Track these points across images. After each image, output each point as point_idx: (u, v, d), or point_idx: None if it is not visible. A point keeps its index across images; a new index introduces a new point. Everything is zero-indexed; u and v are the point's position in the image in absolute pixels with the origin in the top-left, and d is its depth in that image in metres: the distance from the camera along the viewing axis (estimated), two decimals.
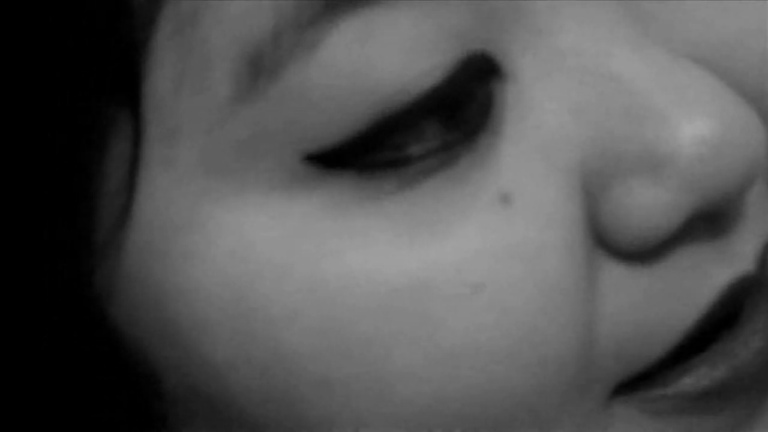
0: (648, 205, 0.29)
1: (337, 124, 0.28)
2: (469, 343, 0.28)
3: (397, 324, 0.28)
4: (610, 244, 0.30)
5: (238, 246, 0.29)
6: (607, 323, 0.30)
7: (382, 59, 0.27)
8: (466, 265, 0.28)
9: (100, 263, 0.29)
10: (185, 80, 0.28)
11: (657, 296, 0.30)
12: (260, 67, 0.27)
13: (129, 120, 0.28)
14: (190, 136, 0.28)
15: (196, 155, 0.28)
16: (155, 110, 0.28)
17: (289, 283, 0.28)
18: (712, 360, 0.31)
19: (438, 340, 0.28)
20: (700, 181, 0.29)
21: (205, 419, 0.31)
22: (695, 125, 0.29)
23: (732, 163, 0.29)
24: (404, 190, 0.28)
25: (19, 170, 0.28)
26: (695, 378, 0.31)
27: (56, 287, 0.29)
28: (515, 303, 0.28)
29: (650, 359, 0.30)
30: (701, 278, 0.31)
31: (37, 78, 0.28)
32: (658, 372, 0.31)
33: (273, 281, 0.29)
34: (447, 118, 0.28)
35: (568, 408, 0.30)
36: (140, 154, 0.28)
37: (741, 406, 0.32)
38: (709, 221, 0.30)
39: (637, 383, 0.31)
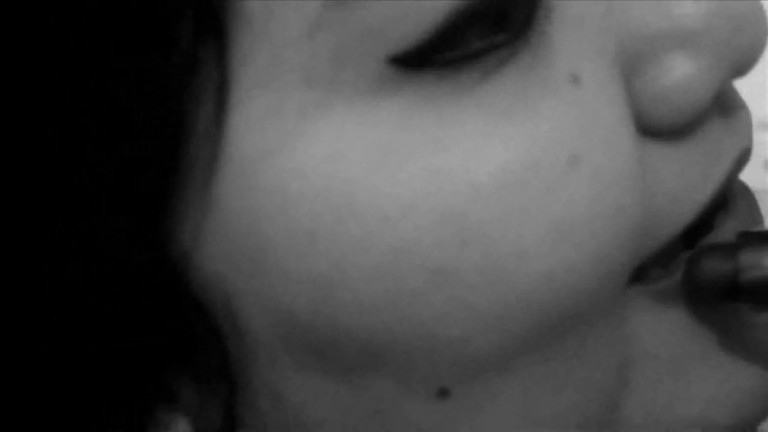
0: (685, 77, 0.31)
1: (416, 24, 0.28)
2: (573, 214, 0.30)
3: (507, 204, 0.29)
4: (647, 125, 0.31)
5: (338, 152, 0.29)
6: (651, 201, 0.31)
7: None
8: (560, 139, 0.30)
9: (191, 206, 0.30)
10: None
11: (687, 170, 0.32)
12: None
13: (220, 42, 0.29)
14: (286, 49, 0.29)
15: (292, 68, 0.29)
16: (249, 29, 0.29)
17: (397, 180, 0.29)
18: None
19: (546, 215, 0.29)
20: (729, 48, 0.31)
21: (292, 354, 0.31)
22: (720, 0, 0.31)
23: (754, 29, 0.31)
24: (485, 81, 0.30)
25: (103, 103, 0.29)
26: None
27: (139, 234, 0.29)
28: (606, 174, 0.30)
29: (675, 233, 0.32)
30: (718, 149, 0.33)
31: None
32: (665, 261, 0.33)
33: (380, 180, 0.29)
34: (499, 15, 0.30)
35: (615, 291, 0.31)
36: (231, 78, 0.29)
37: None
38: (719, 97, 0.32)
39: (646, 272, 0.33)
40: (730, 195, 0.34)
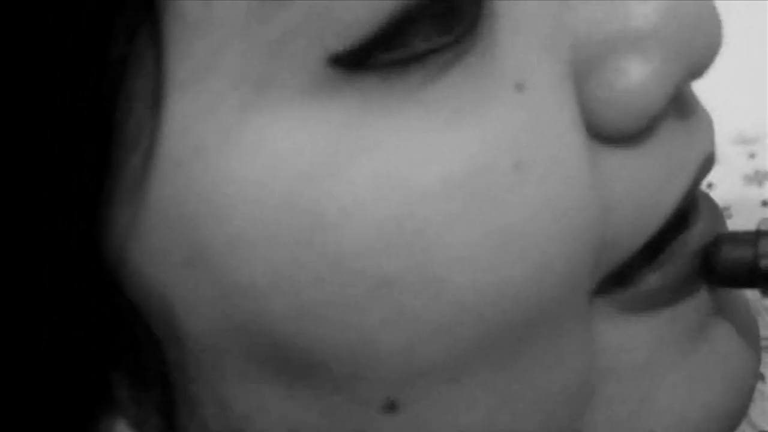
0: (640, 79, 0.30)
1: (357, 22, 0.28)
2: (519, 222, 0.29)
3: (450, 210, 0.28)
4: (601, 131, 0.30)
5: (277, 155, 0.28)
6: (609, 208, 0.30)
7: None
8: (506, 144, 0.29)
9: (124, 203, 0.29)
10: None
11: (648, 177, 0.31)
12: None
13: (152, 39, 0.28)
14: (223, 46, 0.28)
15: (229, 66, 0.28)
16: (183, 22, 0.28)
17: (339, 184, 0.28)
18: (673, 256, 0.32)
19: (490, 222, 0.29)
20: (684, 49, 0.30)
21: (233, 360, 0.30)
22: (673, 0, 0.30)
23: (710, 29, 0.30)
24: (428, 83, 0.29)
25: (33, 100, 0.28)
26: (661, 274, 0.32)
27: (71, 235, 0.29)
28: (552, 180, 0.29)
29: (641, 242, 0.31)
30: (681, 154, 0.32)
31: None
32: (630, 273, 0.32)
33: (321, 185, 0.28)
34: (443, 17, 0.29)
35: (576, 300, 0.31)
36: (166, 74, 0.28)
37: (696, 305, 0.33)
38: (675, 103, 0.32)
39: (611, 284, 0.32)
40: (694, 200, 0.33)
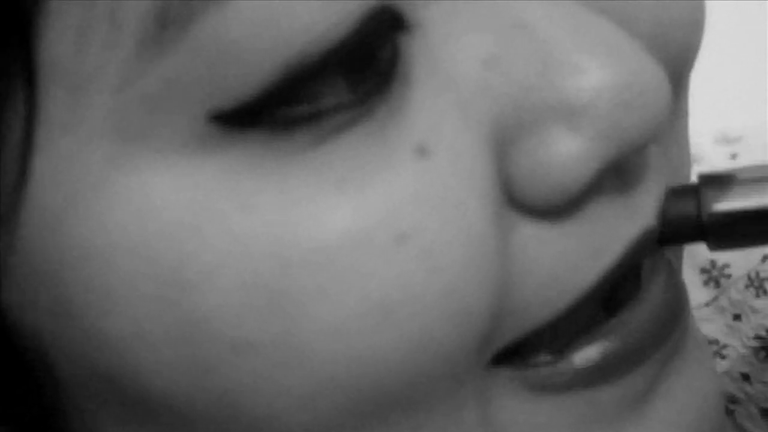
0: (564, 153, 0.29)
1: (246, 78, 0.27)
2: (395, 295, 0.28)
3: (321, 278, 0.28)
4: (521, 201, 0.29)
5: (145, 209, 0.28)
6: (516, 281, 0.29)
7: (292, 11, 0.27)
8: (389, 216, 0.28)
9: None
10: (87, 37, 0.27)
11: (566, 253, 0.30)
12: (168, 21, 0.26)
13: (23, 82, 0.27)
14: (95, 95, 0.27)
15: (101, 115, 0.27)
16: (55, 69, 0.27)
17: (204, 244, 0.28)
18: (609, 331, 0.31)
19: (363, 293, 0.28)
20: (615, 128, 0.29)
21: (108, 407, 0.30)
22: (607, 73, 0.29)
23: (645, 109, 0.29)
24: (320, 145, 0.28)
25: None
26: (586, 352, 0.31)
27: None
28: (439, 253, 0.28)
29: (547, 318, 0.30)
30: (609, 233, 0.30)
31: None
32: (545, 346, 0.31)
33: (185, 243, 0.28)
34: (355, 73, 0.28)
35: (467, 373, 0.30)
36: (36, 118, 0.27)
37: (638, 377, 0.32)
38: (615, 175, 0.30)
39: (515, 356, 0.31)
40: (645, 272, 0.32)
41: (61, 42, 0.27)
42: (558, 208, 0.29)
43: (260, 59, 0.27)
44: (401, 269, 0.28)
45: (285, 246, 0.28)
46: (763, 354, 0.47)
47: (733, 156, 0.65)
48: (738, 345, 0.46)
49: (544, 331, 0.30)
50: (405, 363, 0.28)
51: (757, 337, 0.47)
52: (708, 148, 0.63)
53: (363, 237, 0.28)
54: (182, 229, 0.28)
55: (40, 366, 0.30)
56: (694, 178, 0.34)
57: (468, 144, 0.28)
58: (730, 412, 0.44)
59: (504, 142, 0.29)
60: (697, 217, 0.32)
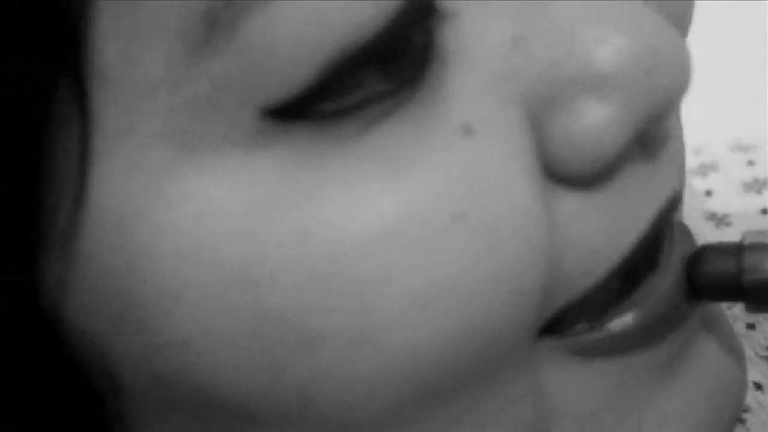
0: (596, 123, 0.29)
1: (292, 74, 0.27)
2: (456, 274, 0.28)
3: (385, 263, 0.28)
4: (559, 175, 0.30)
5: (205, 210, 0.28)
6: (560, 254, 0.30)
7: (333, 6, 0.27)
8: (444, 195, 0.28)
9: (53, 258, 0.28)
10: (136, 42, 0.27)
11: (603, 223, 0.30)
12: (215, 22, 0.27)
13: (75, 95, 0.27)
14: (147, 100, 0.27)
15: (155, 120, 0.27)
16: (106, 76, 0.27)
17: (267, 240, 0.28)
18: (635, 301, 0.32)
19: (427, 274, 0.28)
20: (643, 93, 0.30)
21: (171, 413, 0.30)
22: (631, 41, 0.29)
23: (671, 73, 0.30)
24: (367, 132, 0.28)
25: None
26: (622, 319, 0.32)
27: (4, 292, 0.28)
28: (494, 231, 0.28)
29: (588, 287, 0.31)
30: (639, 201, 0.31)
31: None
32: (583, 315, 0.31)
33: (248, 240, 0.28)
34: (392, 61, 0.28)
35: (518, 347, 0.30)
36: (91, 128, 0.27)
37: (672, 342, 0.33)
38: (639, 144, 0.31)
39: (560, 327, 0.31)
40: (666, 241, 0.33)
41: (111, 48, 0.27)
42: (593, 178, 0.30)
43: (305, 55, 0.27)
44: (460, 248, 0.28)
45: (346, 234, 0.28)
46: None
47: (750, 163, 0.65)
48: (751, 354, 0.46)
49: (583, 301, 0.31)
50: (469, 341, 0.29)
51: None
52: (723, 155, 0.63)
53: (421, 218, 0.28)
54: (244, 226, 0.28)
55: (101, 376, 0.30)
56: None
57: (506, 122, 0.29)
58: (742, 421, 0.44)
59: (537, 119, 0.30)
60: (737, 277, 0.32)
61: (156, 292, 0.28)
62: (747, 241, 0.33)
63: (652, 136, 0.31)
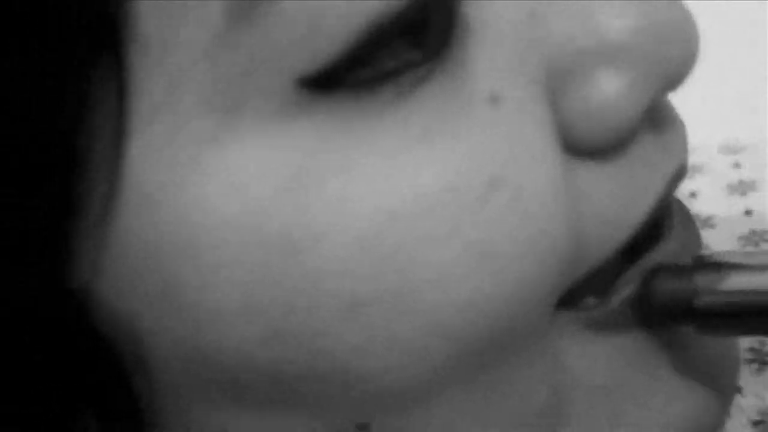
0: (613, 93, 0.30)
1: (328, 43, 0.27)
2: (493, 238, 0.28)
3: (422, 229, 0.28)
4: (577, 145, 0.30)
5: (245, 179, 0.28)
6: (580, 223, 0.30)
7: None
8: (479, 162, 0.28)
9: (87, 241, 0.28)
10: (176, 13, 0.27)
11: (619, 192, 0.31)
12: None
13: (113, 71, 0.27)
14: (187, 71, 0.27)
15: (194, 91, 0.27)
16: (146, 48, 0.27)
17: (307, 207, 0.28)
18: (640, 273, 0.32)
19: (465, 237, 0.28)
20: (657, 63, 0.30)
21: (204, 391, 0.30)
22: (643, 12, 0.30)
23: (683, 42, 0.30)
24: (402, 100, 0.28)
25: None
26: (627, 293, 0.32)
27: (35, 272, 0.28)
28: (527, 197, 0.29)
29: (604, 257, 0.31)
30: (651, 170, 0.32)
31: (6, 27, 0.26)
32: (601, 287, 0.32)
33: (289, 208, 0.28)
34: (418, 33, 0.29)
35: (543, 314, 0.30)
36: (129, 101, 0.27)
37: None
38: (650, 116, 0.32)
39: (580, 298, 0.32)
40: (667, 214, 0.33)
41: (154, 18, 0.27)
42: (610, 148, 0.30)
43: (339, 25, 0.27)
44: (497, 213, 0.28)
45: (385, 199, 0.28)
46: (755, 366, 0.47)
47: (737, 165, 0.65)
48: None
49: (592, 275, 0.32)
50: (504, 306, 0.29)
51: (751, 350, 0.48)
52: (711, 157, 0.63)
53: (458, 182, 0.28)
54: (284, 194, 0.28)
55: (130, 357, 0.30)
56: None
57: (529, 92, 0.29)
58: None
59: (555, 91, 0.30)
60: (688, 302, 0.32)
61: (194, 265, 0.28)
62: (696, 264, 0.32)
63: (659, 110, 0.32)
